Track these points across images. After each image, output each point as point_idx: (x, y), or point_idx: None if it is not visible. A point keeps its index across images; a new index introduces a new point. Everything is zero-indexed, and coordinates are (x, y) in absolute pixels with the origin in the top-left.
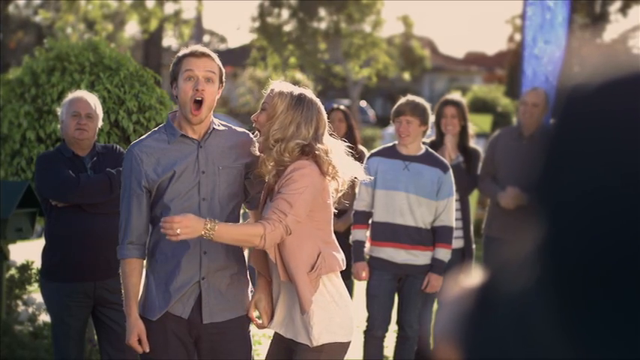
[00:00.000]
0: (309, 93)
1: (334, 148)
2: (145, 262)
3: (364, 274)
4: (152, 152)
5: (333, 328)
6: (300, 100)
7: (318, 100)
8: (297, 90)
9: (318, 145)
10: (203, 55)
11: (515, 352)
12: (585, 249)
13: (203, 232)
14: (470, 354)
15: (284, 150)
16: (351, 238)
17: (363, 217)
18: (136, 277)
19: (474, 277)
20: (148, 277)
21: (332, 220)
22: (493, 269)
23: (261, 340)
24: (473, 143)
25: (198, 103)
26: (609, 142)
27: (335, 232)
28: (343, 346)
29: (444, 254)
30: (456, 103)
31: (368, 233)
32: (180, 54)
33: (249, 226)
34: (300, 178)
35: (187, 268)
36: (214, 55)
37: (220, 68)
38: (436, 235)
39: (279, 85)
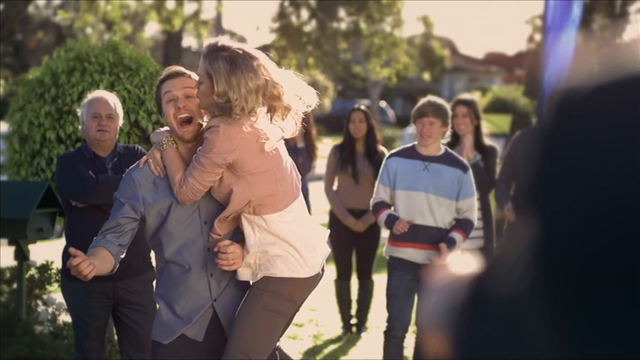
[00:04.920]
0: (236, 45)
1: (285, 81)
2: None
3: (407, 224)
4: (150, 177)
5: (273, 266)
6: (232, 60)
7: (249, 50)
8: (224, 49)
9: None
10: (177, 74)
11: (507, 352)
12: (579, 250)
13: (159, 142)
14: (462, 352)
15: (247, 110)
16: (380, 222)
17: (383, 204)
18: (93, 252)
19: (464, 265)
20: (159, 302)
21: (274, 161)
22: (488, 265)
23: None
24: (491, 142)
25: (187, 122)
26: (603, 145)
27: (356, 233)
28: (291, 282)
29: (458, 238)
30: (467, 103)
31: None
32: (158, 80)
33: (179, 175)
34: (214, 137)
35: (196, 292)
36: (190, 73)
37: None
38: (456, 223)
39: (207, 50)
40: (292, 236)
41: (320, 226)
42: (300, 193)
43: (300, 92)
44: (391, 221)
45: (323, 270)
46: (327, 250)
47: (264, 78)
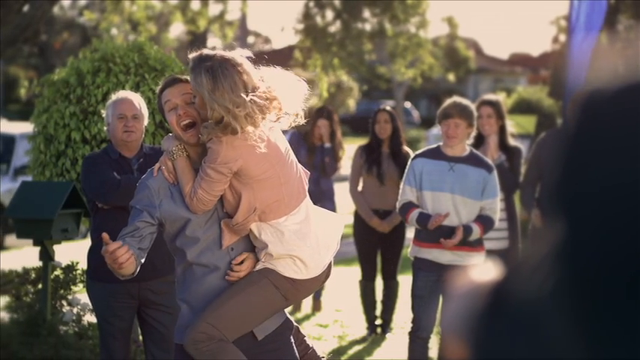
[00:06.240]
0: (219, 54)
1: (272, 81)
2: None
3: (443, 217)
4: (165, 184)
5: (272, 262)
6: (213, 73)
7: (231, 57)
8: (207, 59)
9: (255, 99)
10: (174, 82)
11: (524, 354)
12: (604, 249)
13: (170, 151)
14: (479, 356)
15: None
16: (411, 221)
17: (411, 204)
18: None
19: (485, 272)
20: (181, 305)
21: (281, 169)
22: (508, 271)
23: None
24: (515, 142)
25: (190, 126)
26: (627, 144)
27: (380, 234)
28: (291, 281)
29: (475, 229)
30: (491, 103)
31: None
32: (158, 90)
33: (189, 186)
34: (217, 147)
35: (220, 293)
36: (188, 78)
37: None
38: (477, 217)
39: (191, 63)
40: (298, 241)
41: (333, 218)
42: (307, 193)
43: (289, 87)
44: (423, 219)
45: (330, 268)
46: (335, 247)
47: (249, 84)
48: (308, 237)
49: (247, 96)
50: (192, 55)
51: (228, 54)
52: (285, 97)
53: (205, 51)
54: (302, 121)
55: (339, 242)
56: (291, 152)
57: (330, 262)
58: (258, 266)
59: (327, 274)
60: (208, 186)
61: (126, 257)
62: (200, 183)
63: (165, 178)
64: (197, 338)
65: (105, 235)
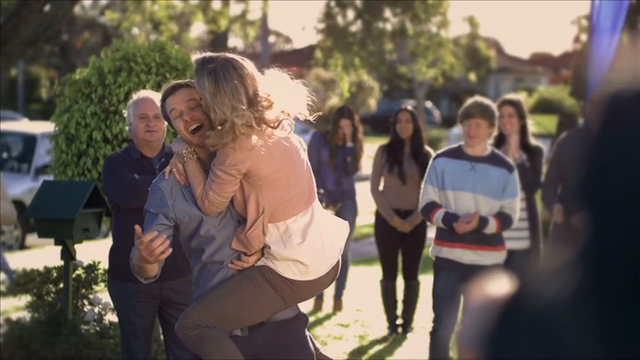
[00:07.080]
0: (222, 57)
1: (274, 87)
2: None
3: (473, 215)
4: (177, 185)
5: (273, 261)
6: (215, 76)
7: (233, 59)
8: (211, 62)
9: (259, 111)
10: (175, 89)
11: (537, 356)
12: (630, 247)
13: (180, 153)
14: (492, 356)
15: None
16: (437, 221)
17: (435, 204)
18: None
19: (501, 285)
20: None
21: (286, 176)
22: (526, 277)
23: (327, 341)
24: (536, 142)
25: (197, 129)
26: None
27: (401, 233)
28: (288, 282)
29: (492, 222)
30: (512, 102)
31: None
32: (161, 95)
33: (200, 188)
34: (225, 149)
35: None
36: (188, 81)
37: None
38: (496, 213)
39: (195, 66)
40: (303, 244)
41: (338, 222)
42: (316, 195)
43: (287, 90)
44: (449, 218)
45: (336, 272)
46: (339, 249)
47: (250, 89)
48: (313, 239)
49: (248, 102)
50: (195, 58)
51: (230, 56)
52: (285, 100)
53: (209, 53)
54: (310, 119)
55: (342, 248)
56: (302, 152)
57: (337, 265)
58: (259, 262)
59: (332, 276)
60: (219, 188)
61: (163, 247)
62: (211, 185)
63: (176, 180)
64: (185, 324)
65: (137, 228)
